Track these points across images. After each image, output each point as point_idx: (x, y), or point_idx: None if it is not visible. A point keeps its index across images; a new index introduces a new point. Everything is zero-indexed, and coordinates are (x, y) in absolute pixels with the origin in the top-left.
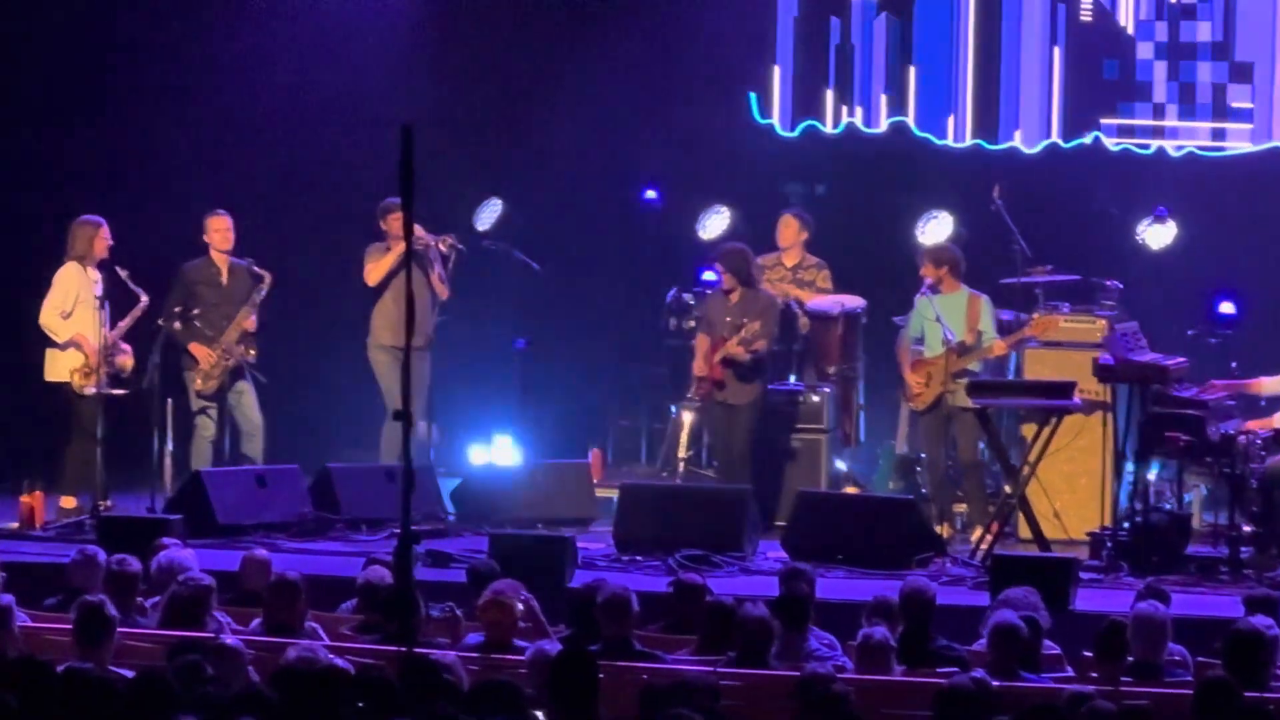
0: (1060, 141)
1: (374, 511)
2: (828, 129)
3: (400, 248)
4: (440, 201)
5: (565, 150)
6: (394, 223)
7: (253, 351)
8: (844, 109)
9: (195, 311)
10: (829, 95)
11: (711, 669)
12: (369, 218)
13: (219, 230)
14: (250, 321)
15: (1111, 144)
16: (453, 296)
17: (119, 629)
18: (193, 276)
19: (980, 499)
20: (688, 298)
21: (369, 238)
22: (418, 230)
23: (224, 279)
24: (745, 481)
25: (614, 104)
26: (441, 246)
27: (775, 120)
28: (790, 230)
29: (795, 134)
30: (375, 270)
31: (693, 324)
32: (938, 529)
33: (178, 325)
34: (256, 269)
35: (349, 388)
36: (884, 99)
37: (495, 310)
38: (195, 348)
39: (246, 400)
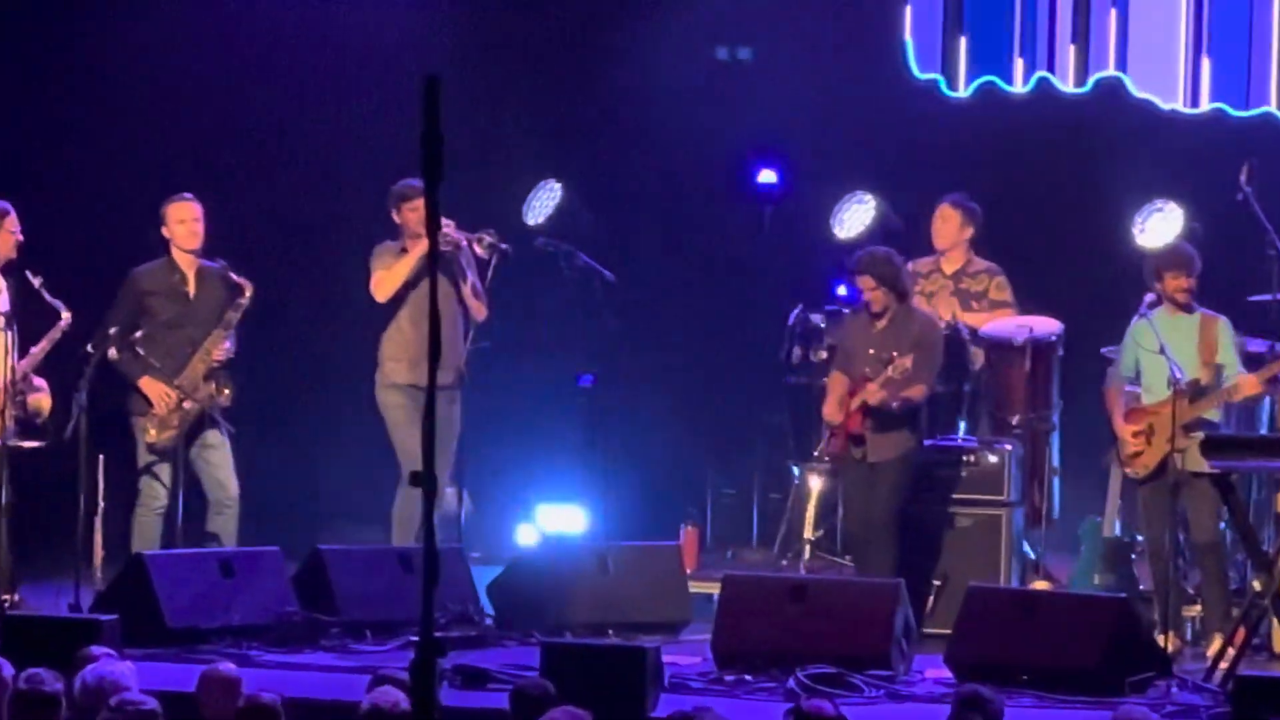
0: None
1: (382, 611)
2: (1016, 87)
3: (420, 249)
4: (477, 186)
5: (648, 117)
6: (412, 214)
7: (225, 391)
8: (1021, 62)
9: (145, 333)
10: (1014, 42)
11: None
12: (379, 207)
13: (183, 222)
14: (222, 349)
15: None
16: (492, 316)
17: None
18: (145, 285)
19: (1220, 598)
20: (817, 319)
21: (377, 235)
22: (445, 225)
23: (190, 288)
24: (888, 569)
25: (712, 53)
26: (477, 248)
27: (939, 75)
28: (950, 225)
29: (968, 94)
30: (386, 280)
31: (824, 355)
32: (1160, 639)
33: (118, 352)
34: (233, 276)
35: (349, 441)
36: (1071, 50)
37: (552, 335)
38: (147, 384)
39: (217, 458)
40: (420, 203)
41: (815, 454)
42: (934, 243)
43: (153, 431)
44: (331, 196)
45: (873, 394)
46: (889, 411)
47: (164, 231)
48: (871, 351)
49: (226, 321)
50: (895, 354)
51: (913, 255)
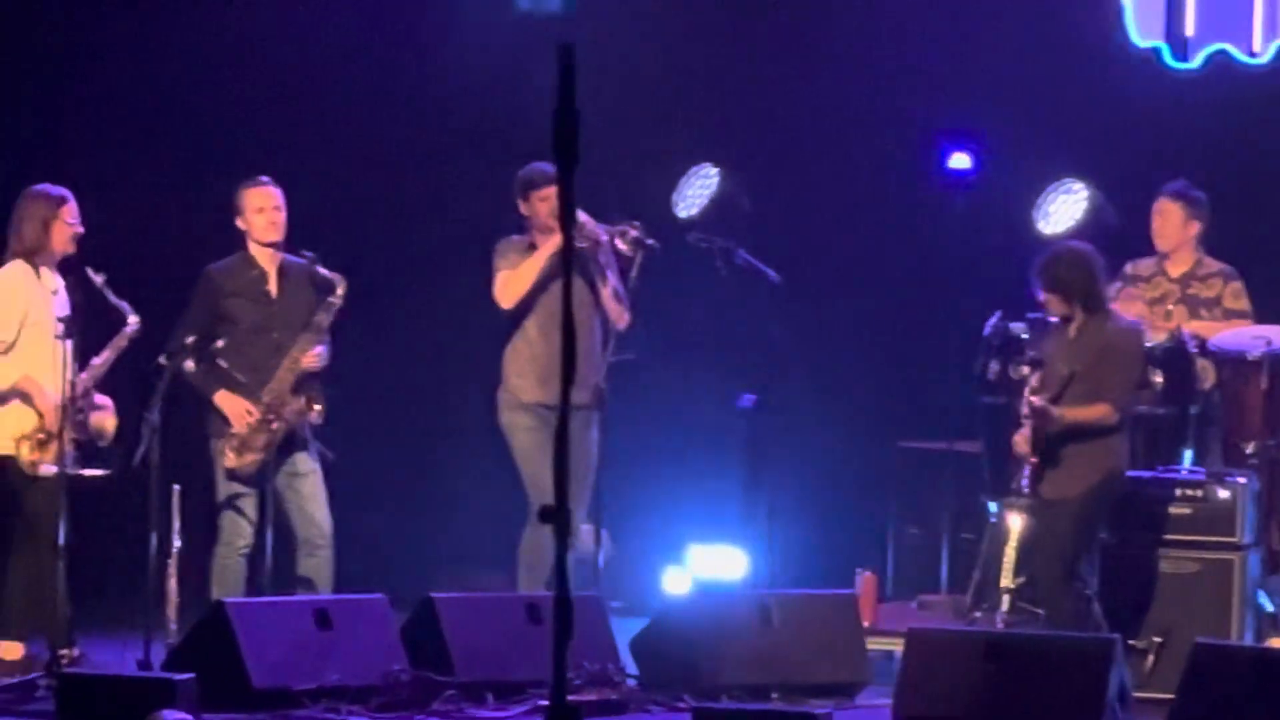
0: None
1: (506, 670)
2: (1255, 57)
3: (553, 245)
4: (619, 172)
5: (819, 92)
6: (542, 205)
7: (317, 406)
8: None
9: (224, 342)
10: (1252, 3)
11: None
12: (501, 197)
13: (262, 210)
14: (313, 356)
15: None
16: (636, 324)
17: None
18: (222, 284)
19: None
20: (1018, 329)
21: (500, 229)
22: (581, 218)
23: (271, 287)
24: (1065, 620)
25: (896, 20)
26: (620, 244)
27: (1163, 43)
28: (1171, 221)
29: (1196, 64)
30: (512, 282)
31: (1025, 371)
32: None
33: (196, 364)
34: (323, 270)
35: (466, 470)
36: None
37: (707, 347)
38: (224, 399)
39: (308, 488)
40: (552, 191)
41: (1014, 487)
42: (1155, 243)
43: (232, 456)
44: (443, 183)
45: (1040, 412)
46: (1064, 438)
47: (239, 222)
48: (1062, 369)
49: (316, 325)
50: (1078, 367)
51: (1132, 254)
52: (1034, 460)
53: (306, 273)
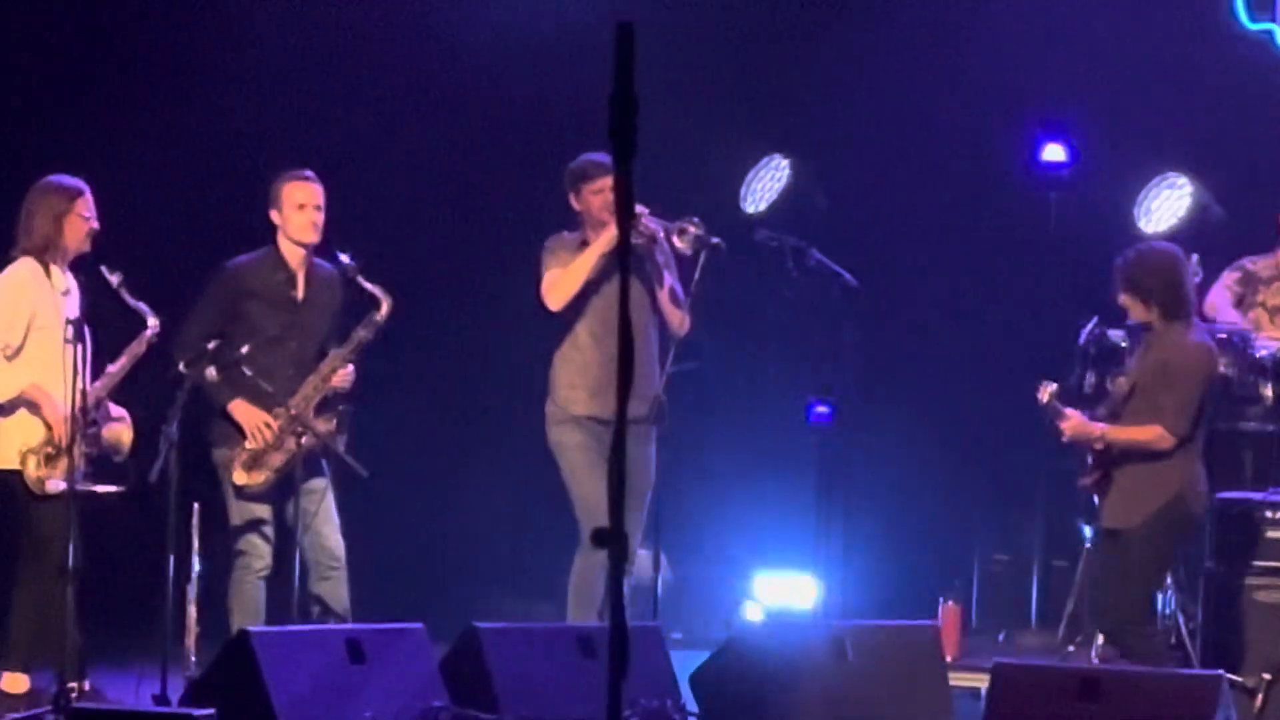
0: None
1: (555, 707)
2: None
3: (605, 241)
4: (682, 163)
5: (898, 78)
6: (595, 198)
7: (342, 435)
8: None
9: (248, 348)
10: None
11: None
12: (551, 190)
13: (303, 207)
14: (344, 375)
15: None
16: (699, 331)
17: None
18: (246, 283)
19: None
20: (1116, 337)
21: (549, 227)
22: (638, 209)
23: (298, 292)
24: (1146, 653)
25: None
26: (678, 241)
27: (1277, 26)
28: None
29: None
30: (563, 281)
31: (1123, 383)
32: None
33: (219, 372)
34: (366, 284)
35: (511, 490)
36: None
37: (777, 355)
38: (241, 409)
39: (318, 508)
40: (607, 183)
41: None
42: None
43: (241, 472)
44: (485, 176)
45: (1071, 427)
46: (1121, 461)
47: (273, 215)
48: (1123, 382)
49: (356, 343)
50: (1143, 381)
51: (1238, 255)
52: (1087, 484)
53: (337, 280)
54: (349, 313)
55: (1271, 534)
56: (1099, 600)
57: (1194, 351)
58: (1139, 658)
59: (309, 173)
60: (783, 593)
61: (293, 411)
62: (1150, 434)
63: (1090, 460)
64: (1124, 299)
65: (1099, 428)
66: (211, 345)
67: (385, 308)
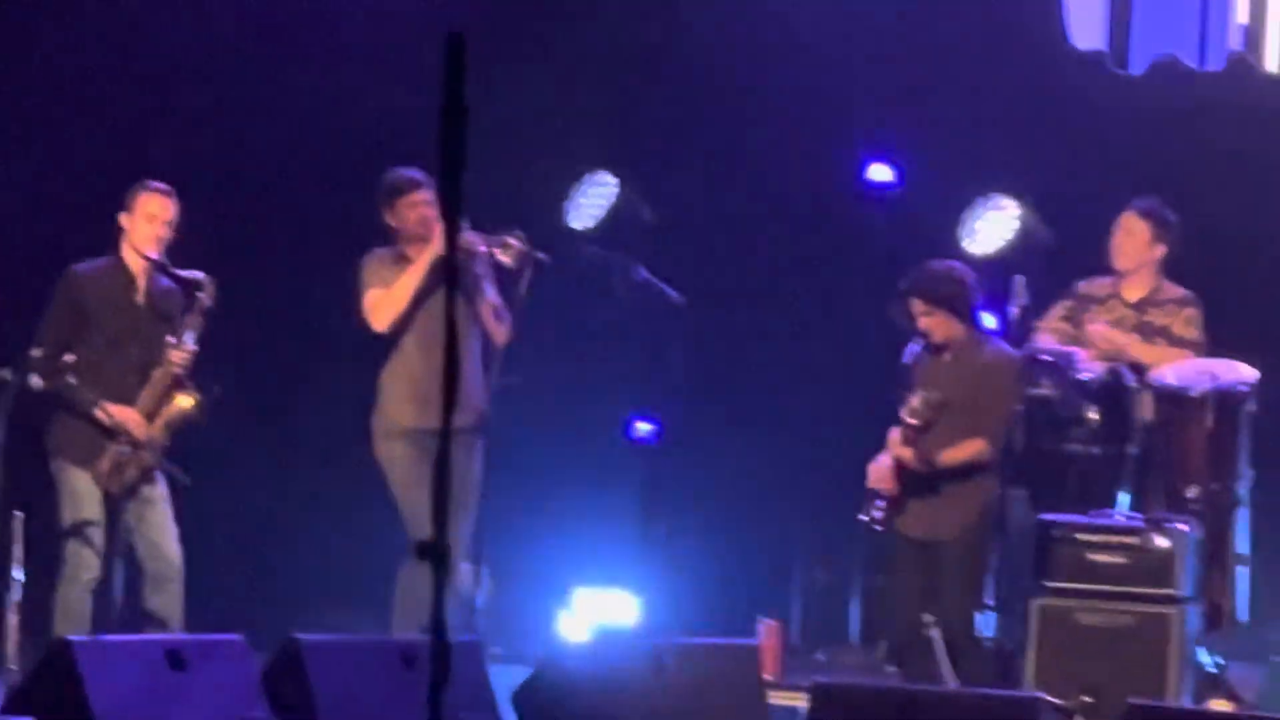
0: None
1: (377, 719)
2: (1211, 63)
3: (428, 255)
4: (504, 177)
5: (730, 97)
6: (411, 212)
7: (201, 409)
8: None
9: (73, 357)
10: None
11: None
12: (365, 204)
13: (153, 219)
14: (182, 352)
15: None
16: (524, 345)
17: None
18: (90, 288)
19: None
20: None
21: (364, 241)
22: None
23: (139, 298)
24: (972, 664)
25: (812, 17)
26: (502, 256)
27: (1104, 47)
28: (1136, 240)
29: (1141, 72)
30: (387, 301)
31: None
32: None
33: (45, 379)
34: (179, 272)
35: (335, 501)
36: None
37: (600, 371)
38: (117, 408)
39: (157, 518)
40: (421, 197)
41: (861, 518)
42: (1114, 261)
43: (87, 480)
44: (310, 191)
45: (896, 447)
46: (936, 476)
47: (123, 220)
48: (934, 395)
49: (184, 326)
50: (945, 395)
51: (1068, 279)
52: (894, 493)
53: (177, 290)
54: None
55: (1093, 556)
56: (906, 619)
57: (1009, 362)
58: (965, 670)
59: (167, 187)
60: (604, 609)
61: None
62: (976, 449)
63: (882, 493)
64: (926, 319)
65: (938, 456)
66: (36, 352)
67: (209, 289)
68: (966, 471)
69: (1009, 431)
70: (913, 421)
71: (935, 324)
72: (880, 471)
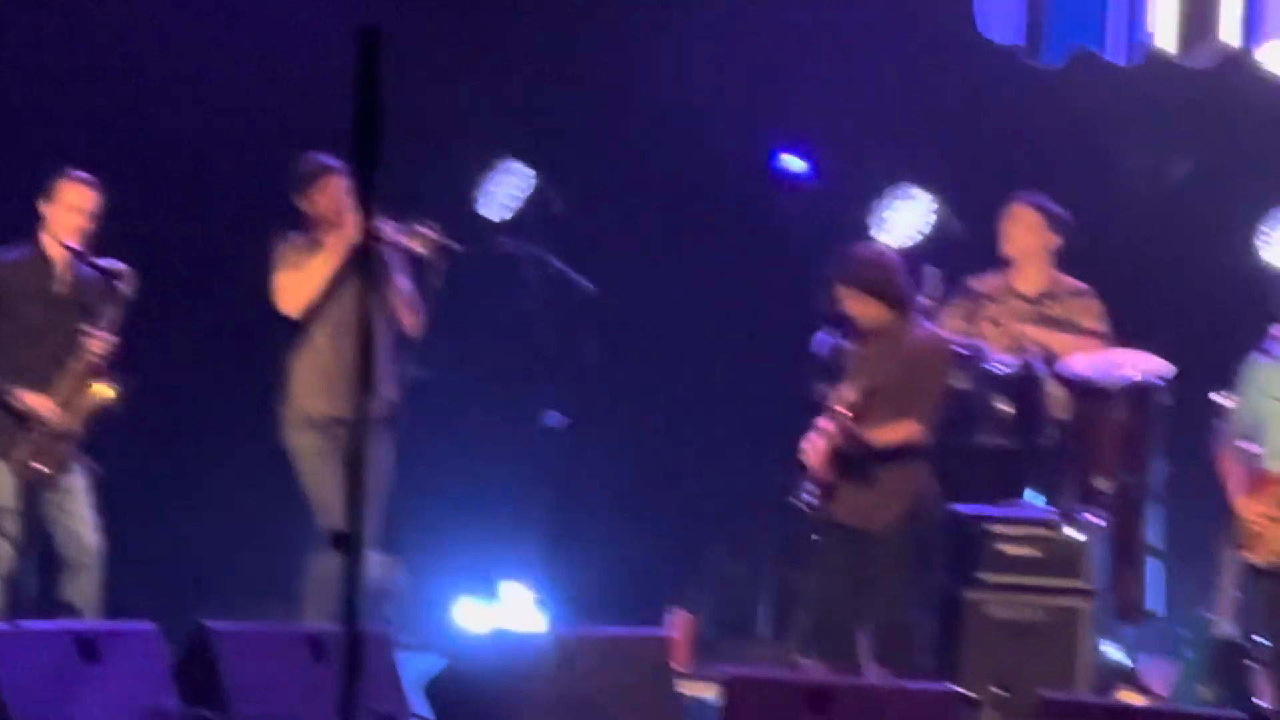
0: None
1: (286, 709)
2: (1122, 56)
3: (341, 243)
4: (416, 167)
5: (643, 86)
6: (325, 200)
7: (109, 392)
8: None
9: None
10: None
11: None
12: (281, 194)
13: (74, 210)
14: (98, 341)
15: None
16: (435, 336)
17: None
18: (3, 278)
19: None
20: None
21: (277, 221)
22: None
23: (60, 287)
24: (902, 657)
25: (725, 6)
26: (414, 245)
27: (1017, 39)
28: (1029, 231)
29: (1055, 64)
30: (298, 286)
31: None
32: None
33: None
34: (97, 261)
35: (246, 490)
36: (1187, 11)
37: (512, 362)
38: (29, 397)
39: (75, 506)
40: (334, 183)
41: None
42: (1004, 248)
43: (1, 469)
44: (220, 177)
45: (832, 435)
46: (867, 458)
47: (43, 208)
48: (864, 380)
49: (102, 316)
50: (878, 382)
51: (981, 269)
52: (828, 479)
53: (98, 280)
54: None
55: (1004, 549)
56: (833, 606)
57: (938, 346)
58: (894, 661)
59: (90, 177)
60: (514, 601)
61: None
62: (908, 431)
63: (818, 477)
64: (855, 305)
65: (867, 435)
66: None
67: (128, 280)
68: (899, 457)
69: (939, 416)
70: (845, 412)
71: (863, 310)
72: (815, 455)
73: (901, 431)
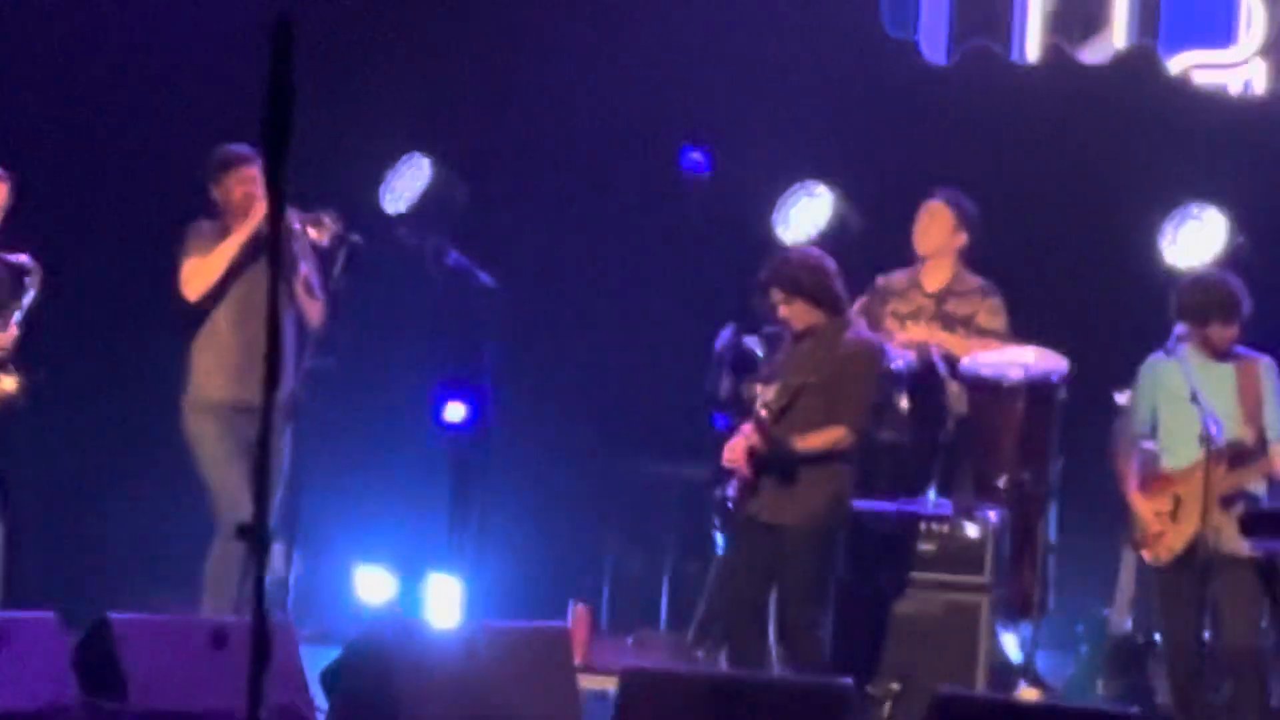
0: None
1: (187, 699)
2: (1024, 55)
3: (245, 232)
4: (319, 158)
5: (542, 79)
6: (238, 186)
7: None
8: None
9: None
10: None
11: None
12: (188, 178)
13: None
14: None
15: None
16: (336, 326)
17: None
18: None
19: (1258, 712)
20: (753, 344)
21: (183, 214)
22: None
23: None
24: (811, 655)
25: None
26: (314, 234)
27: (917, 36)
28: (940, 227)
29: (954, 60)
30: (202, 271)
31: (759, 389)
32: None
33: None
34: (9, 256)
35: (146, 478)
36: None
37: (412, 353)
38: None
39: None
40: (247, 173)
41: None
42: (916, 246)
43: None
44: (130, 163)
45: (750, 435)
46: (791, 461)
47: None
48: (793, 380)
49: (11, 310)
50: (807, 380)
51: (880, 267)
52: (748, 476)
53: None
54: None
55: (902, 545)
56: (742, 599)
57: (870, 348)
58: (798, 656)
59: (1, 171)
60: (415, 591)
61: None
62: (835, 436)
63: (740, 475)
64: (786, 307)
65: (794, 441)
66: None
67: (35, 274)
68: (824, 458)
69: (869, 420)
70: (764, 414)
71: (795, 313)
72: (735, 453)
73: (828, 437)
